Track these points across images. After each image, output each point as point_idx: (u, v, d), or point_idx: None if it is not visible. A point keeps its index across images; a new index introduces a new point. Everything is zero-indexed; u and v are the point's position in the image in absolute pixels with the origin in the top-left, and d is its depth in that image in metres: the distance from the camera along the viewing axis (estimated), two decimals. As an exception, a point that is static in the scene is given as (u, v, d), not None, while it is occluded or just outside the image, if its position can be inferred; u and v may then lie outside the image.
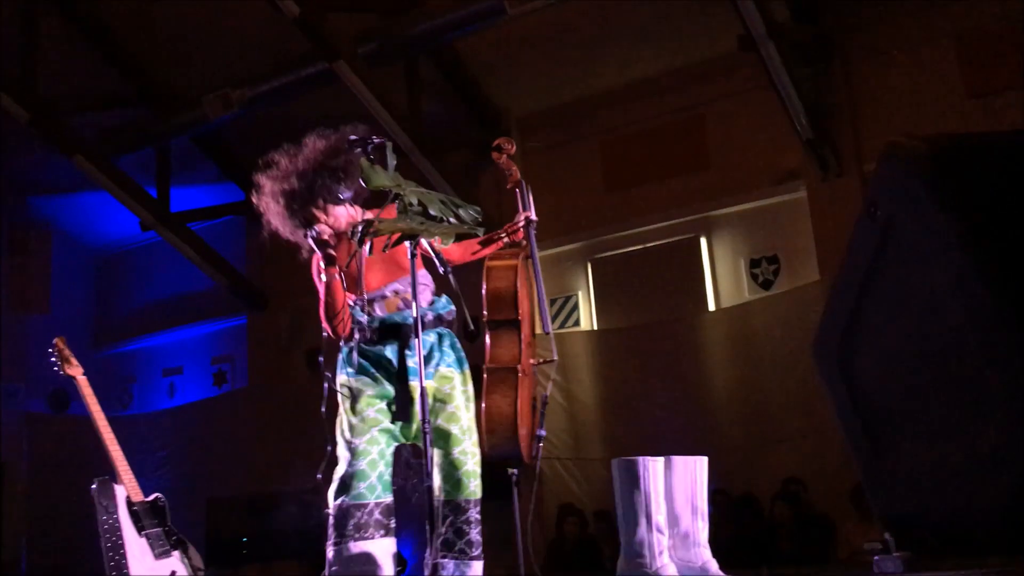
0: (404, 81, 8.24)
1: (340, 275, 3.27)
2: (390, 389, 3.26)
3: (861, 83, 7.46)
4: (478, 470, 3.31)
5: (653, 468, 3.39)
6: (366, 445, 3.20)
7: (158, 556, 3.61)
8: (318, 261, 3.38)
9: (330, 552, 3.16)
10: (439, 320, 3.37)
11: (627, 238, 8.41)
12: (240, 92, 8.05)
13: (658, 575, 3.33)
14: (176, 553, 3.69)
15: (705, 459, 3.58)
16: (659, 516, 3.36)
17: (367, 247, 3.33)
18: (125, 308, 11.12)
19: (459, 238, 3.64)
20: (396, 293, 3.33)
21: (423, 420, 3.03)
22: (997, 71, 6.90)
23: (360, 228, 3.25)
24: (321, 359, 3.35)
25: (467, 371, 3.42)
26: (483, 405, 3.57)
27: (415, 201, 3.40)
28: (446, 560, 3.25)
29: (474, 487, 3.29)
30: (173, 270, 10.30)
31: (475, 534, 3.26)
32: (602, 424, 8.04)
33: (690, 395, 7.69)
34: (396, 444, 3.33)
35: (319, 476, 3.27)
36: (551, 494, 7.85)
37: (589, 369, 8.17)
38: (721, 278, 8.05)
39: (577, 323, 8.54)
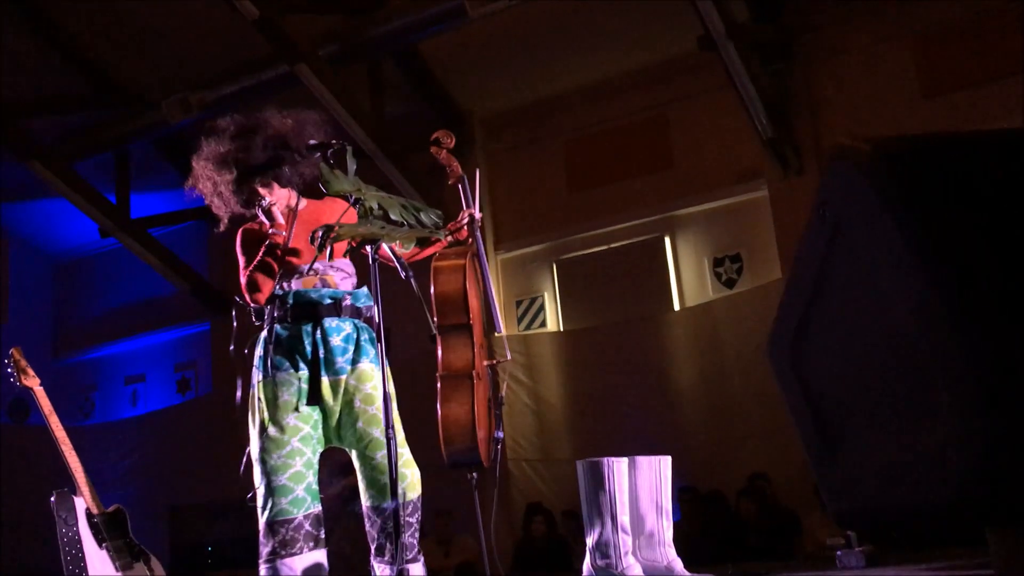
0: (367, 83, 8.20)
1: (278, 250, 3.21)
2: (306, 386, 3.14)
3: (820, 82, 7.55)
4: (405, 472, 3.19)
5: (618, 468, 3.40)
6: (286, 459, 3.09)
7: (120, 568, 3.56)
8: (247, 232, 3.31)
9: (262, 570, 3.07)
10: (357, 312, 3.24)
11: (592, 238, 8.44)
12: (200, 96, 7.96)
13: (624, 575, 3.34)
14: (138, 565, 3.64)
15: (669, 459, 3.60)
16: (624, 516, 3.38)
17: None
18: (85, 315, 10.95)
19: (420, 242, 3.64)
20: (315, 272, 3.24)
21: (387, 426, 2.99)
22: (953, 71, 7.03)
23: (321, 233, 3.24)
24: (232, 347, 3.29)
25: (387, 369, 3.24)
26: (439, 414, 3.55)
27: (375, 205, 3.40)
28: (382, 564, 3.16)
29: (401, 491, 3.17)
30: (134, 276, 10.16)
31: (408, 537, 3.17)
32: (569, 424, 8.07)
33: (656, 394, 7.74)
34: (321, 449, 3.23)
35: (249, 497, 3.21)
36: (519, 495, 7.86)
37: (556, 370, 8.19)
38: (685, 277, 8.10)
39: (544, 324, 8.56)
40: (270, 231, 3.23)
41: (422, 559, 3.23)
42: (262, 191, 3.29)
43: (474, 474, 3.69)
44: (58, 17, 8.52)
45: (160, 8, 8.00)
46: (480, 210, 3.86)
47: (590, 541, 3.45)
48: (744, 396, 7.30)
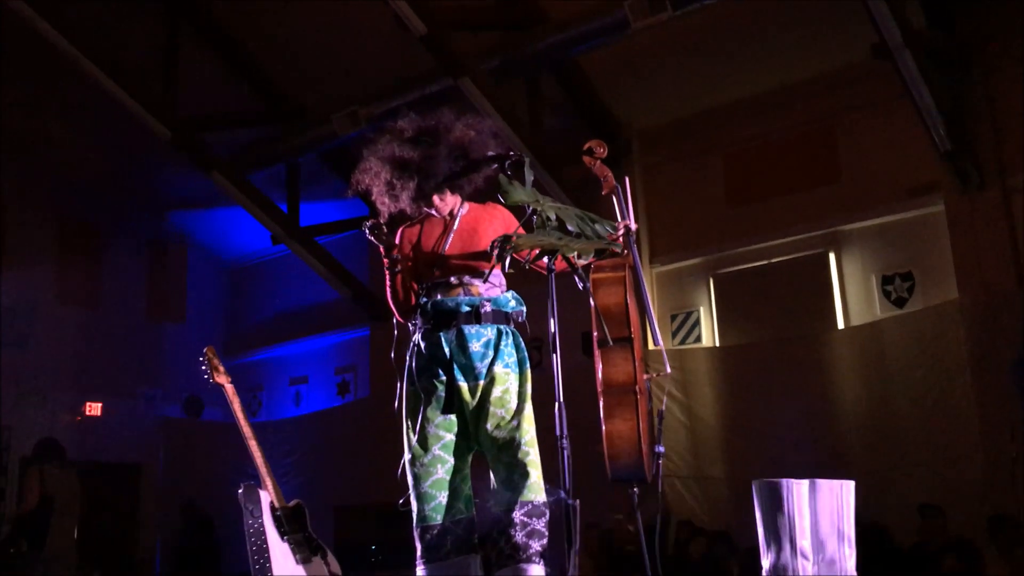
0: (525, 95, 8.30)
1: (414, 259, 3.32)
2: (444, 394, 3.17)
3: (1003, 92, 7.09)
4: (530, 471, 3.14)
5: (797, 491, 3.28)
6: (428, 467, 3.15)
7: (300, 561, 3.72)
8: (401, 237, 3.38)
9: (417, 572, 3.18)
10: (501, 316, 3.26)
11: (751, 253, 8.23)
12: (368, 110, 8.26)
13: (802, 602, 3.22)
14: (316, 558, 3.79)
15: (851, 483, 3.44)
16: (803, 541, 3.25)
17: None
18: (254, 318, 11.56)
19: (597, 253, 3.63)
20: (461, 282, 3.28)
21: (560, 436, 3.01)
22: None
23: (499, 243, 3.29)
24: (393, 354, 3.34)
25: (527, 371, 3.26)
26: (604, 429, 3.53)
27: (553, 216, 3.41)
28: (505, 571, 3.09)
29: (522, 490, 3.14)
30: (300, 282, 10.66)
31: (521, 537, 3.12)
32: (723, 442, 7.86)
33: (816, 415, 7.44)
34: (470, 454, 3.26)
35: (401, 501, 3.28)
36: (670, 512, 7.72)
37: (711, 386, 8.01)
38: (851, 295, 7.76)
39: (699, 339, 8.40)
40: (393, 251, 3.31)
41: (541, 564, 3.12)
42: (438, 197, 3.39)
43: (635, 489, 3.65)
44: (234, 37, 9.06)
45: (330, 27, 8.38)
46: (635, 222, 3.82)
47: (766, 564, 3.34)
48: (912, 423, 6.92)
